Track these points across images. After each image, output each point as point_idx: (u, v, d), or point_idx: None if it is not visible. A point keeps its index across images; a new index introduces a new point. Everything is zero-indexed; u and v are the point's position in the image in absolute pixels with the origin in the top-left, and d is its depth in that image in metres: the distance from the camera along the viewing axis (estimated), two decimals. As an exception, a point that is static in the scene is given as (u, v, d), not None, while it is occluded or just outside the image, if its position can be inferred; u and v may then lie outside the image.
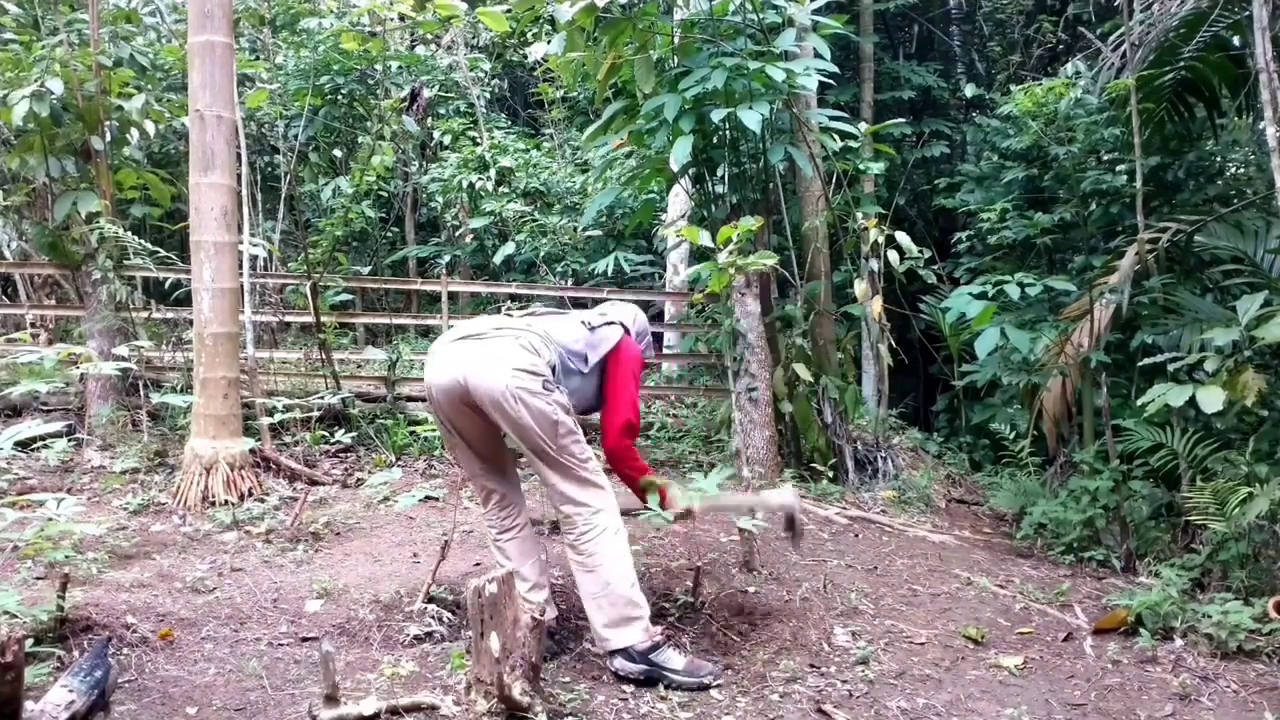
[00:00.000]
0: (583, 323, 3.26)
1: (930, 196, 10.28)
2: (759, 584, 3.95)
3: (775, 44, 5.62)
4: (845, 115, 6.27)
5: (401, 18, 6.92)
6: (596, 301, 4.52)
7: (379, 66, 8.27)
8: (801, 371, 5.75)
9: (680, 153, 5.31)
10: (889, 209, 7.29)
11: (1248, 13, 5.22)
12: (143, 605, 3.43)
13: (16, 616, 2.97)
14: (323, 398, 5.94)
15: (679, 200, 7.93)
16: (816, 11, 5.94)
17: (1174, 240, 6.29)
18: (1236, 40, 6.28)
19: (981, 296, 5.72)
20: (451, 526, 4.10)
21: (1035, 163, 8.51)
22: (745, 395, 5.70)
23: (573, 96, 10.38)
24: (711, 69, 5.24)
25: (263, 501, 4.82)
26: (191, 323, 5.27)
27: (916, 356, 9.37)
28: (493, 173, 9.53)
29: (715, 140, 6.00)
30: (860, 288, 5.96)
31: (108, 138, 6.18)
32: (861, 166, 6.73)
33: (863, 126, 6.33)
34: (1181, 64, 6.26)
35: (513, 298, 7.96)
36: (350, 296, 8.56)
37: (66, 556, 3.63)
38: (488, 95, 11.10)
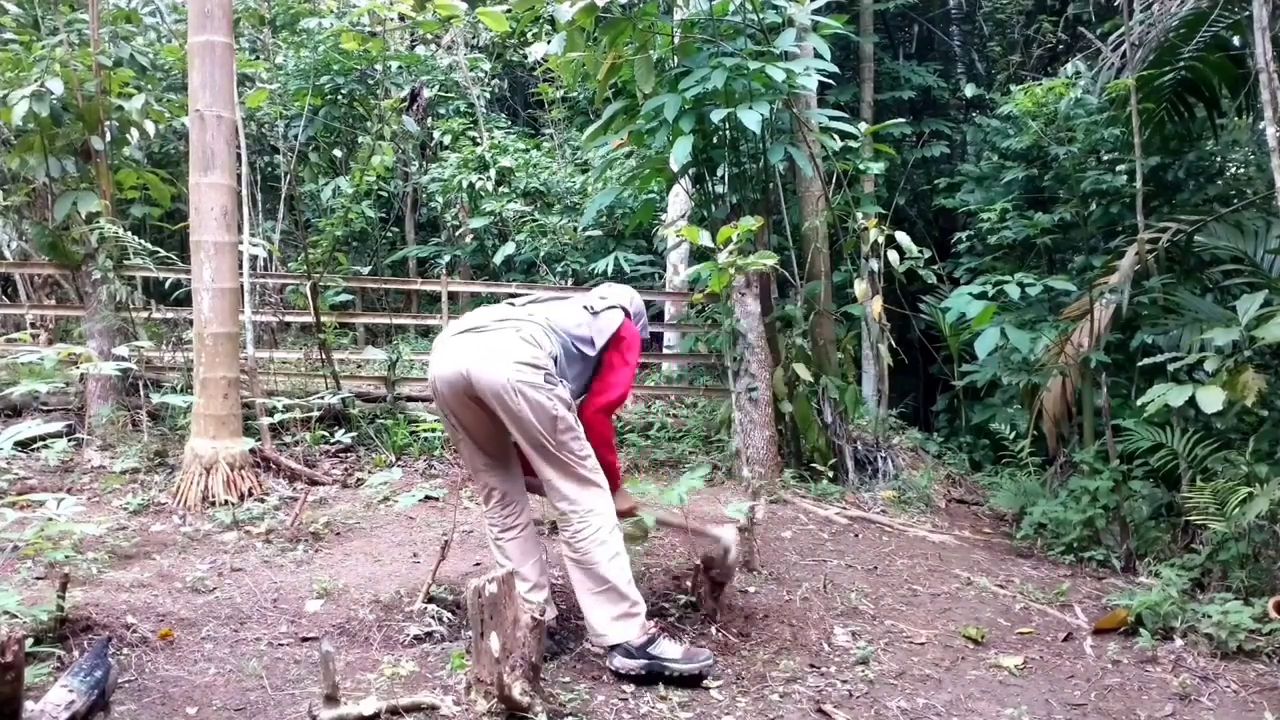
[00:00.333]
0: (585, 307, 3.27)
1: (930, 196, 10.28)
2: (759, 584, 3.95)
3: (775, 44, 5.62)
4: (845, 115, 6.28)
5: (401, 18, 6.92)
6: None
7: (379, 66, 8.27)
8: (801, 371, 5.75)
9: (680, 153, 5.31)
10: (889, 209, 7.29)
11: (1248, 13, 5.22)
12: (143, 605, 3.43)
13: (16, 616, 2.97)
14: (323, 398, 5.94)
15: (679, 200, 7.93)
16: (816, 11, 5.94)
17: (1174, 240, 6.28)
18: (1236, 40, 6.28)
19: (981, 296, 5.72)
20: (451, 526, 4.10)
21: (1035, 163, 8.51)
22: (745, 395, 5.70)
23: (573, 96, 10.38)
24: (711, 69, 5.24)
25: (263, 501, 4.82)
26: (191, 323, 5.28)
27: (916, 356, 9.37)
28: (493, 173, 9.54)
29: (715, 140, 6.00)
30: (860, 288, 5.96)
31: (108, 138, 6.18)
32: (861, 166, 6.73)
33: (863, 126, 6.33)
34: (1181, 64, 6.26)
35: (513, 298, 7.94)
36: (350, 296, 8.56)
37: (66, 556, 3.63)
38: (488, 95, 11.10)
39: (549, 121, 11.31)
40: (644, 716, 2.83)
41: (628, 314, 3.36)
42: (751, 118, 5.11)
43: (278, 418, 5.47)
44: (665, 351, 8.82)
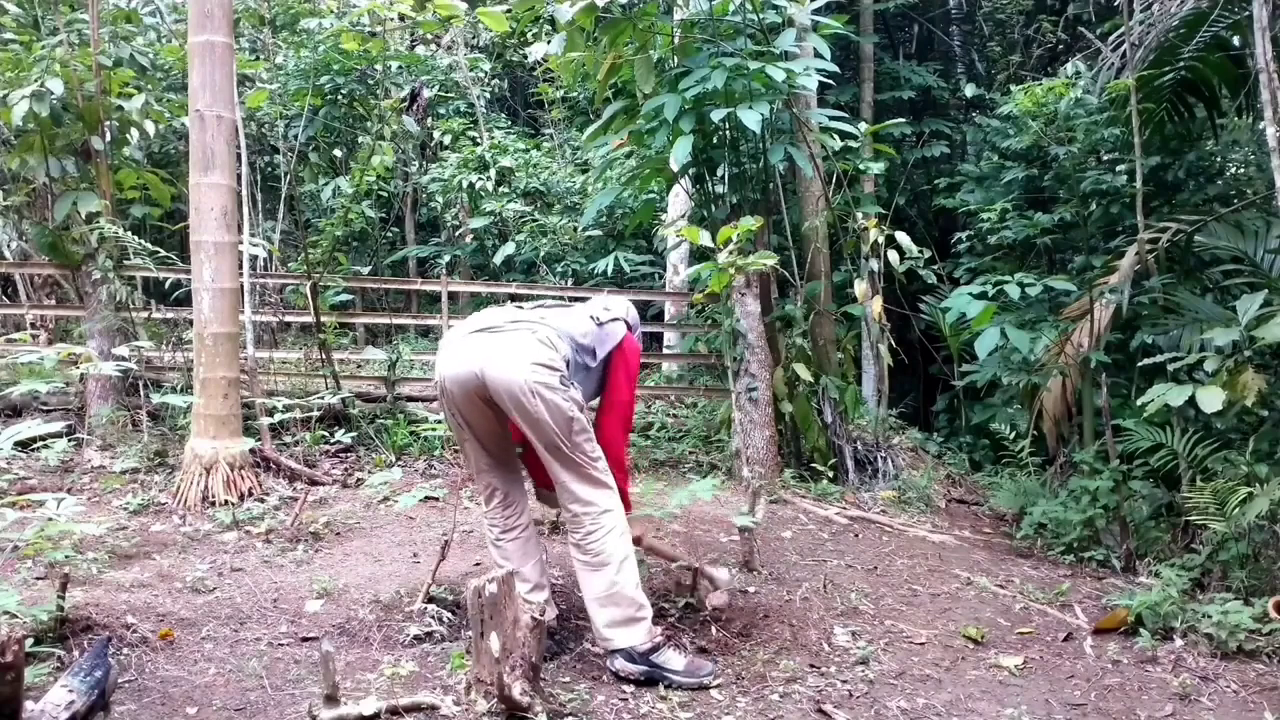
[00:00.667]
0: (592, 317, 3.28)
1: (930, 196, 10.28)
2: (759, 584, 3.95)
3: (775, 44, 5.62)
4: (845, 115, 6.28)
5: (401, 18, 6.91)
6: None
7: (379, 66, 8.26)
8: (801, 371, 5.75)
9: (680, 153, 5.31)
10: (889, 209, 7.29)
11: (1248, 13, 5.22)
12: (143, 605, 3.43)
13: (16, 616, 2.97)
14: (323, 398, 5.93)
15: (679, 200, 7.93)
16: (816, 11, 5.94)
17: (1174, 240, 6.29)
18: (1236, 40, 6.28)
19: (981, 296, 5.72)
20: (451, 526, 4.10)
21: (1035, 163, 8.51)
22: (745, 395, 5.70)
23: (573, 96, 10.38)
24: (711, 69, 5.24)
25: (263, 501, 4.82)
26: (191, 323, 5.27)
27: (916, 356, 9.37)
28: (493, 173, 9.54)
29: (715, 140, 6.00)
30: (860, 288, 5.96)
31: (108, 138, 6.18)
32: (861, 166, 6.73)
33: (863, 126, 6.33)
34: (1181, 64, 6.26)
35: (513, 298, 7.95)
36: (350, 296, 8.55)
37: (66, 556, 3.63)
38: (488, 95, 11.10)
39: (549, 121, 11.31)
40: (644, 716, 2.83)
41: (629, 326, 3.38)
42: (751, 118, 5.11)
43: (278, 418, 5.47)
44: (665, 351, 8.82)
